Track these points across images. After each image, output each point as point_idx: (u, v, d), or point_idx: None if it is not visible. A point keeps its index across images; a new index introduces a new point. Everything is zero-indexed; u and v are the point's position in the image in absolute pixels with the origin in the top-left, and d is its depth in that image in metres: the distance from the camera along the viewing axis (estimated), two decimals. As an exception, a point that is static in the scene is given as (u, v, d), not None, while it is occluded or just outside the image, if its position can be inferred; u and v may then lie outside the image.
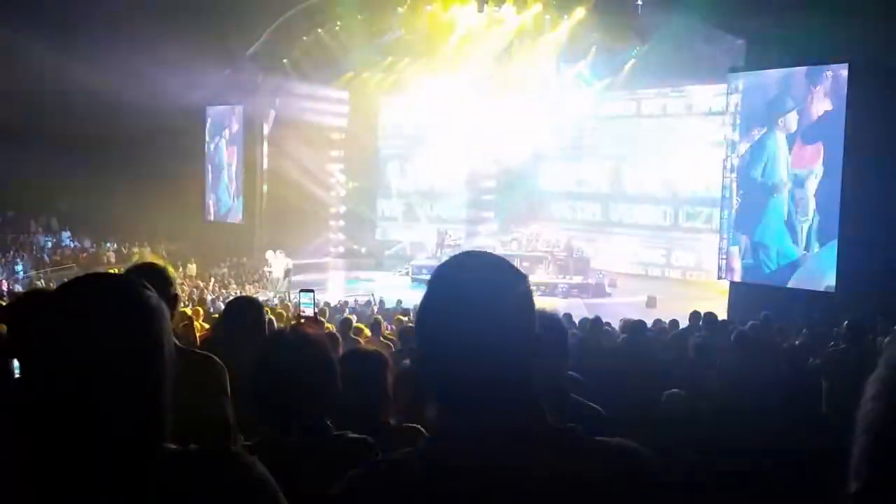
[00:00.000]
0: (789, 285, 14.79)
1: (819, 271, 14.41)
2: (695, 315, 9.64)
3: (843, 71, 14.09)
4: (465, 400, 1.20)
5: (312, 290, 6.76)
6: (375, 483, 1.23)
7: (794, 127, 14.80)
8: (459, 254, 1.36)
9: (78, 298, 1.23)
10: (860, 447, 0.69)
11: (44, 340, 1.18)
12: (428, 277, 1.28)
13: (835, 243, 14.09)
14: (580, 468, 1.17)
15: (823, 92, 14.36)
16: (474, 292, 1.23)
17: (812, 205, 14.56)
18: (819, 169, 14.41)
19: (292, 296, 19.64)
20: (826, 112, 14.34)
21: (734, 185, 15.96)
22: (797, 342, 7.86)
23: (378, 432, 2.25)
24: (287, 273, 21.40)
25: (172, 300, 2.61)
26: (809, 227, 14.61)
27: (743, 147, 15.73)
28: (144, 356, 1.21)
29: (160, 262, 2.81)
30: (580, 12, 20.54)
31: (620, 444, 1.24)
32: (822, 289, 14.19)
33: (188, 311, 6.65)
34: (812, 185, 14.52)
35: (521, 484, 1.15)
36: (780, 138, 15.03)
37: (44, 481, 1.14)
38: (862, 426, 0.71)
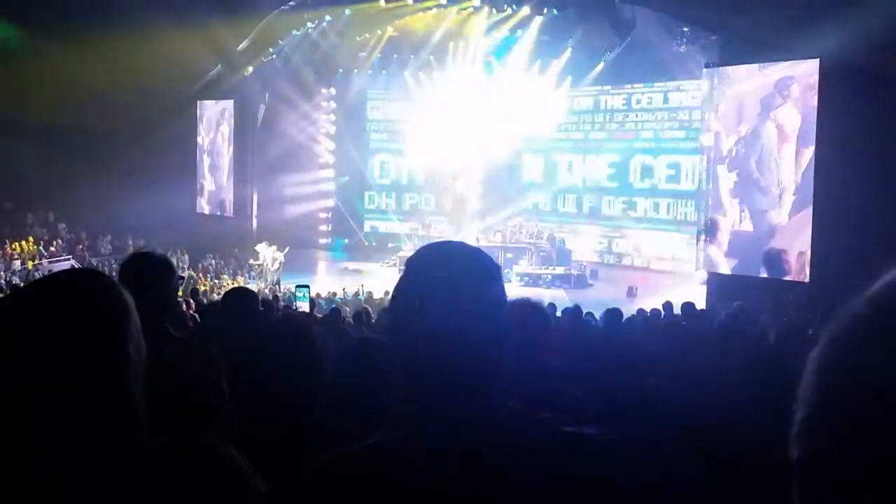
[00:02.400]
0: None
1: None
2: (667, 305, 9.83)
3: (814, 66, 14.49)
4: (431, 383, 1.21)
5: (307, 286, 6.88)
6: (344, 471, 1.24)
7: (783, 120, 15.11)
8: (437, 241, 1.39)
9: (37, 295, 1.21)
10: (798, 419, 0.72)
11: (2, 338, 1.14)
12: None
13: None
14: (536, 453, 1.18)
15: (801, 88, 14.77)
16: (449, 275, 1.23)
17: (793, 198, 14.99)
18: (804, 162, 14.80)
19: (283, 287, 20.08)
20: (805, 109, 14.74)
21: (718, 176, 16.24)
22: (773, 331, 7.93)
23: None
24: (278, 265, 21.83)
25: (174, 290, 2.63)
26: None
27: (730, 141, 16.01)
28: (105, 352, 1.16)
29: (159, 252, 2.77)
30: (558, 8, 20.89)
31: (591, 437, 1.23)
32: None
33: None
34: (798, 178, 14.91)
35: (476, 468, 1.16)
36: (770, 130, 15.30)
37: (10, 483, 1.09)
38: (799, 400, 0.73)
